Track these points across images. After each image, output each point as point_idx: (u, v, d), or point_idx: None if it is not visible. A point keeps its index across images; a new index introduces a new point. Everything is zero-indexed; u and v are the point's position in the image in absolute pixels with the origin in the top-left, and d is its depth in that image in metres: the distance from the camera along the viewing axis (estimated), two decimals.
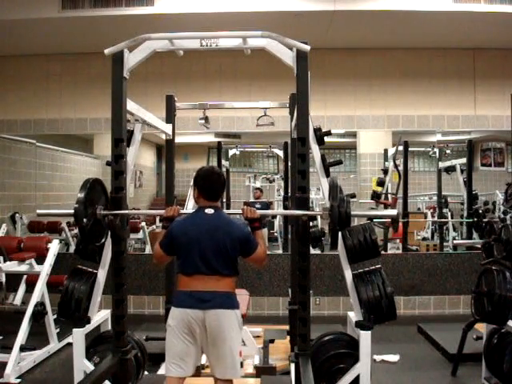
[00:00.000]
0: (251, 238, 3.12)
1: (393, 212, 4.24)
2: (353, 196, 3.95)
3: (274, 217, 9.54)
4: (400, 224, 7.74)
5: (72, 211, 3.22)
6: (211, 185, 3.17)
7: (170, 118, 4.98)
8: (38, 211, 3.74)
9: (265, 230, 8.86)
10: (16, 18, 6.15)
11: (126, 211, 3.54)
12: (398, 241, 8.32)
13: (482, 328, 4.60)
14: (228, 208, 8.38)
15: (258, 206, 8.65)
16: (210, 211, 3.12)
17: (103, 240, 3.64)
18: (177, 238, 3.09)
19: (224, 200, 8.20)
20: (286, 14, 6.12)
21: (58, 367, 5.11)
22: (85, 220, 3.24)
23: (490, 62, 7.42)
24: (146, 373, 4.16)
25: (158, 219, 8.73)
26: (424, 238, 9.18)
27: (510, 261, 4.15)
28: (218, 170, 3.27)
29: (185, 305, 3.02)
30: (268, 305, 7.04)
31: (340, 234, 3.69)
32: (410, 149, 7.79)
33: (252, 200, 9.52)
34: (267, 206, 9.18)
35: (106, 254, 3.78)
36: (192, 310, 2.99)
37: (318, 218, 8.29)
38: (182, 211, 3.29)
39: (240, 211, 3.25)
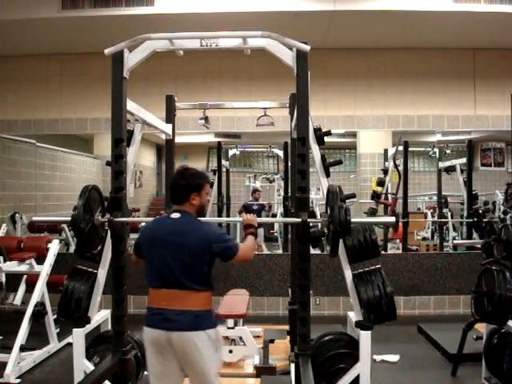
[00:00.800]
0: (227, 240, 2.90)
1: (390, 219, 4.36)
2: (353, 196, 3.96)
3: (274, 217, 9.54)
4: (400, 224, 7.73)
5: (69, 218, 3.19)
6: (172, 186, 3.00)
7: (169, 117, 4.98)
8: (34, 218, 3.71)
9: (260, 230, 8.84)
10: (16, 18, 6.15)
11: (123, 219, 3.48)
12: (398, 241, 8.32)
13: (482, 328, 4.61)
14: (228, 208, 8.38)
15: (254, 207, 8.67)
16: (175, 215, 2.92)
17: (99, 248, 3.62)
18: (141, 243, 2.99)
19: (224, 200, 8.21)
20: (285, 14, 6.12)
21: (58, 367, 5.11)
22: (82, 226, 3.21)
23: (490, 61, 7.42)
24: (145, 373, 4.16)
25: None
26: (424, 238, 9.17)
27: (510, 261, 4.15)
28: (185, 170, 3.03)
29: (151, 324, 2.83)
30: (268, 305, 7.04)
31: None
32: (410, 149, 7.78)
33: (250, 200, 9.50)
34: (263, 207, 9.16)
35: (106, 254, 3.79)
36: (156, 331, 2.79)
37: (318, 218, 8.35)
38: None
39: (241, 219, 3.20)
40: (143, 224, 3.20)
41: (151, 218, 3.37)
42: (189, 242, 2.82)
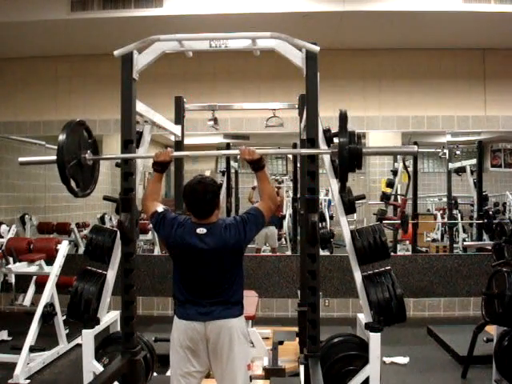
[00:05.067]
0: (247, 218, 2.92)
1: (412, 148, 3.84)
2: (362, 197, 3.94)
3: (283, 217, 9.51)
4: (410, 225, 7.71)
5: (54, 157, 3.03)
6: (196, 203, 2.90)
7: (179, 119, 4.99)
8: (20, 159, 3.51)
9: (273, 229, 8.83)
10: (25, 20, 6.17)
11: (111, 155, 3.48)
12: (407, 242, 8.30)
13: (492, 330, 4.57)
14: (237, 209, 8.38)
15: None
16: (201, 231, 2.87)
17: (89, 190, 3.42)
18: (169, 243, 2.96)
19: (233, 202, 8.21)
20: (295, 15, 6.11)
21: (67, 368, 5.12)
22: (66, 164, 3.04)
23: (500, 62, 7.37)
24: (154, 374, 4.16)
25: None
26: (434, 240, 9.15)
27: None
28: (205, 182, 2.93)
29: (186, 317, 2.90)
30: (277, 306, 7.03)
31: (350, 235, 3.69)
32: (419, 150, 7.74)
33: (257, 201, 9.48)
34: None
35: (116, 256, 3.79)
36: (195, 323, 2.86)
37: (328, 219, 8.34)
38: (174, 153, 3.22)
39: (238, 152, 3.09)
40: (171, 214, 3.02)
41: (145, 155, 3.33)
42: (220, 255, 2.86)
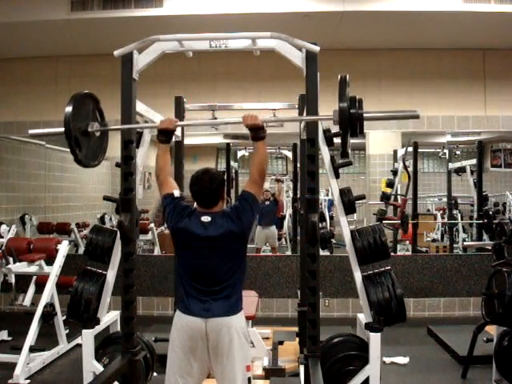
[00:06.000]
0: (241, 206, 2.91)
1: (413, 113, 3.73)
2: (362, 197, 3.94)
3: (283, 217, 9.52)
4: (410, 225, 7.72)
5: (63, 129, 3.04)
6: (201, 192, 2.92)
7: (178, 119, 4.98)
8: (30, 131, 3.52)
9: (273, 228, 8.83)
10: (25, 20, 6.17)
11: (118, 127, 3.54)
12: (407, 242, 8.30)
13: (492, 330, 4.57)
14: None
15: (267, 203, 8.65)
16: (206, 219, 2.88)
17: (97, 162, 3.44)
18: (175, 230, 2.93)
19: (233, 201, 8.21)
20: (295, 15, 6.11)
21: (67, 368, 5.12)
22: (73, 133, 3.07)
23: (500, 62, 7.37)
24: (154, 374, 4.16)
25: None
26: (434, 240, 9.16)
27: None
28: (211, 173, 2.96)
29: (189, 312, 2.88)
30: (277, 306, 7.03)
31: (350, 235, 3.69)
32: (419, 150, 7.75)
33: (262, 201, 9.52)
34: (276, 202, 9.13)
35: (116, 256, 3.79)
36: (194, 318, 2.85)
37: (328, 219, 8.34)
38: (179, 123, 3.20)
39: (240, 119, 3.03)
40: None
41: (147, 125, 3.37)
42: (224, 241, 2.86)
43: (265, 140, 2.98)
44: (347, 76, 3.06)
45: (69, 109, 3.06)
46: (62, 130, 3.05)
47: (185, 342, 2.85)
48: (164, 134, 3.11)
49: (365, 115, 2.95)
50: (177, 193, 3.03)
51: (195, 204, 3.01)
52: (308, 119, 3.37)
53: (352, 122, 2.91)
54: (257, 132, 2.96)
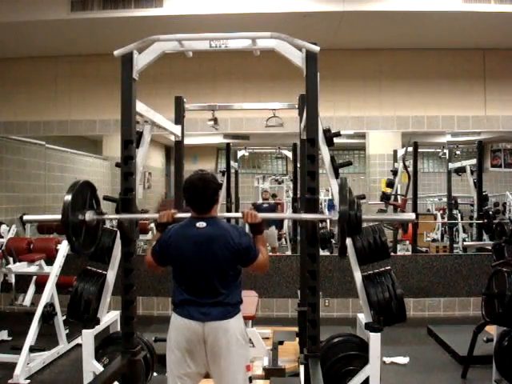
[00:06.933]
0: (251, 247, 2.92)
1: (410, 216, 3.86)
2: (363, 197, 3.94)
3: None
4: (410, 225, 7.71)
5: (59, 216, 2.98)
6: (196, 198, 2.93)
7: (179, 119, 4.99)
8: (25, 217, 3.55)
9: (273, 229, 8.84)
10: (25, 20, 6.17)
11: (114, 216, 3.50)
12: (407, 242, 8.29)
13: (492, 330, 4.57)
14: (237, 209, 8.37)
15: (265, 205, 8.65)
16: (201, 225, 2.90)
17: (92, 249, 3.40)
18: (168, 252, 2.94)
19: (233, 201, 8.21)
20: (295, 15, 6.10)
21: (67, 368, 5.12)
22: (71, 223, 3.01)
23: (501, 62, 7.37)
24: (154, 374, 4.17)
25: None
26: (434, 240, 9.15)
27: None
28: (205, 179, 2.94)
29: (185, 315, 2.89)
30: (277, 306, 7.03)
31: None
32: (419, 150, 7.75)
33: (260, 201, 9.52)
34: (274, 207, 9.15)
35: (116, 256, 3.79)
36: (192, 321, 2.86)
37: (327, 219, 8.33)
38: (178, 215, 3.11)
39: (240, 215, 3.11)
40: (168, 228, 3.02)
41: (146, 215, 3.37)
42: (219, 250, 2.86)
43: (264, 235, 3.08)
44: (347, 179, 3.13)
45: (68, 198, 3.01)
46: (58, 217, 3.00)
47: (182, 344, 2.86)
48: (162, 225, 3.08)
49: (364, 217, 2.99)
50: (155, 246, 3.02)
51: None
52: (308, 218, 3.31)
53: (351, 224, 2.93)
54: (257, 227, 3.03)
